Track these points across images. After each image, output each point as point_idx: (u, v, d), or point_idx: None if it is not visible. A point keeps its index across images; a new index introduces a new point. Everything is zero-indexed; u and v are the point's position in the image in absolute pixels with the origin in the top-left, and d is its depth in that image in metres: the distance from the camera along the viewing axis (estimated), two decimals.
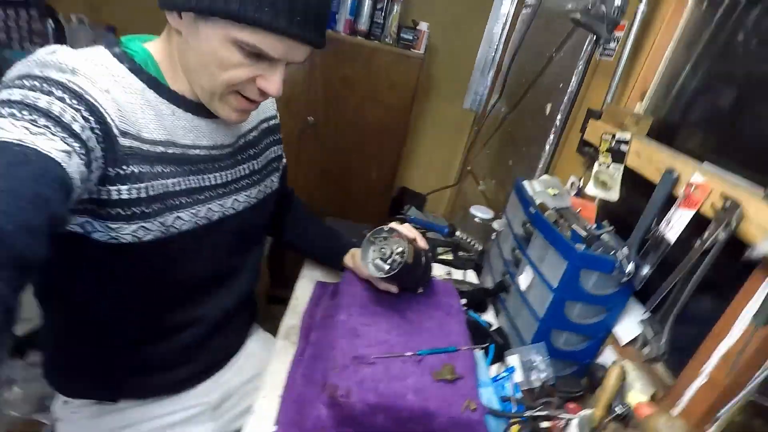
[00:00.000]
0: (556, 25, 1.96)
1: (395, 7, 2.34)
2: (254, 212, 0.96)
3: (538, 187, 1.28)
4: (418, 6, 2.64)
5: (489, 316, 1.29)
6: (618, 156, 1.09)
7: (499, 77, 2.65)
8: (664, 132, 1.12)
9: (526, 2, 2.47)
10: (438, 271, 1.47)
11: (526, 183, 1.35)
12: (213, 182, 0.84)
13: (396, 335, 0.95)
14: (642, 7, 1.14)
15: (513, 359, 1.05)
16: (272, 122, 1.06)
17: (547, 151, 1.70)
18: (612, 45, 1.37)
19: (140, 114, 0.70)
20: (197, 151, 0.80)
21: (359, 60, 2.36)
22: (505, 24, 2.73)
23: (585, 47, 1.58)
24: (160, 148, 0.73)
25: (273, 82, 0.74)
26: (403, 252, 0.94)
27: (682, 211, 0.83)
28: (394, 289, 1.04)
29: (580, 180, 1.34)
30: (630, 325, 1.02)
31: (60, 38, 2.52)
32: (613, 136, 1.11)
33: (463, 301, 1.25)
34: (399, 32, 2.44)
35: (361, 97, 2.44)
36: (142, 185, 0.69)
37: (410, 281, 1.05)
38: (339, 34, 2.35)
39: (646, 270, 0.90)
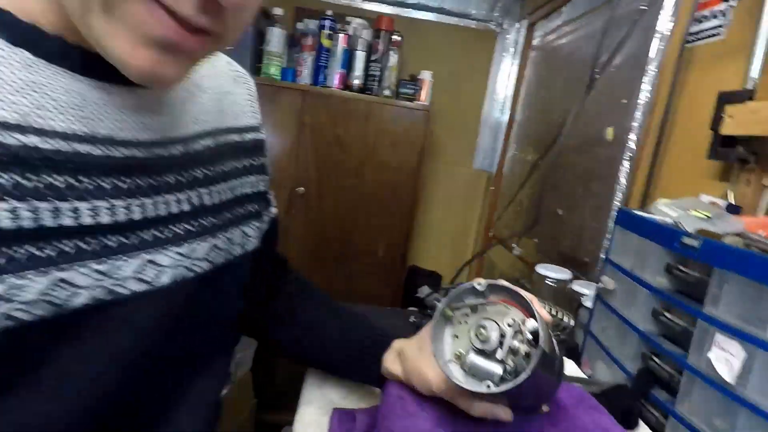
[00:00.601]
0: (582, 47, 1.67)
1: (392, 57, 2.06)
2: (205, 292, 0.47)
3: (672, 212, 0.83)
4: (414, 62, 2.38)
5: None
6: None
7: (513, 128, 2.34)
8: None
9: (533, 45, 2.25)
10: None
11: (640, 213, 0.90)
12: (93, 220, 0.36)
13: None
14: None
15: None
16: (249, 136, 0.59)
17: (627, 178, 1.28)
18: (714, 23, 1.02)
19: None
20: (57, 144, 0.34)
21: (355, 117, 2.02)
22: (509, 76, 2.49)
23: (655, 48, 1.25)
24: None
25: None
26: (532, 332, 0.44)
27: None
28: (504, 415, 0.51)
29: (727, 196, 0.89)
30: None
31: None
32: None
33: None
34: (398, 87, 2.15)
35: (359, 159, 2.06)
36: None
37: (534, 394, 0.52)
38: (330, 90, 2.03)
39: None
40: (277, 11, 2.01)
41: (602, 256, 1.08)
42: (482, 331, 0.44)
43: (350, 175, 2.06)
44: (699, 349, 0.69)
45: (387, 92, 2.07)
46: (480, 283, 0.48)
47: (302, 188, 2.07)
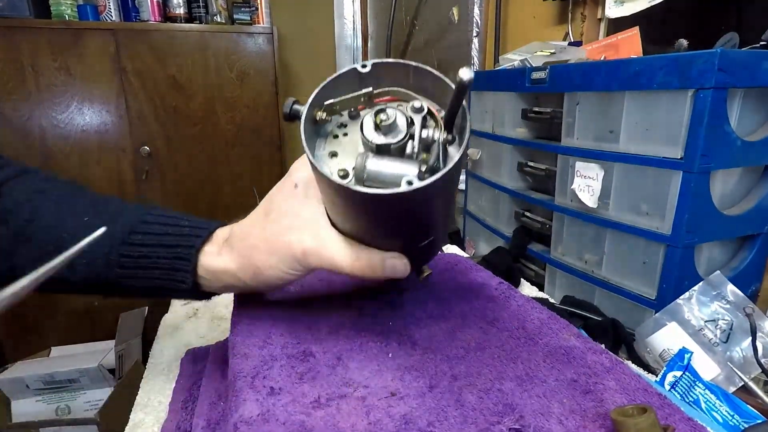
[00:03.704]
0: None
1: None
2: None
3: (518, 57, 0.77)
4: None
5: (529, 289, 0.72)
6: None
7: (368, 44, 2.21)
8: None
9: None
10: None
11: (486, 72, 0.84)
12: None
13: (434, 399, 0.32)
14: None
15: (668, 333, 0.49)
16: None
17: (478, 56, 1.23)
18: None
19: None
20: None
21: (187, 52, 1.73)
22: None
23: None
24: None
25: None
26: (449, 114, 0.29)
27: None
28: (401, 265, 0.35)
29: (565, 36, 0.86)
30: None
31: None
32: None
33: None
34: (231, 12, 1.88)
35: (204, 100, 1.79)
36: None
37: (441, 216, 0.36)
38: (147, 24, 1.70)
39: None
40: None
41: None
42: (382, 116, 0.30)
43: (199, 121, 1.80)
44: (563, 187, 0.65)
45: (219, 18, 1.80)
46: (365, 64, 0.31)
47: (147, 147, 1.76)
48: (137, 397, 0.49)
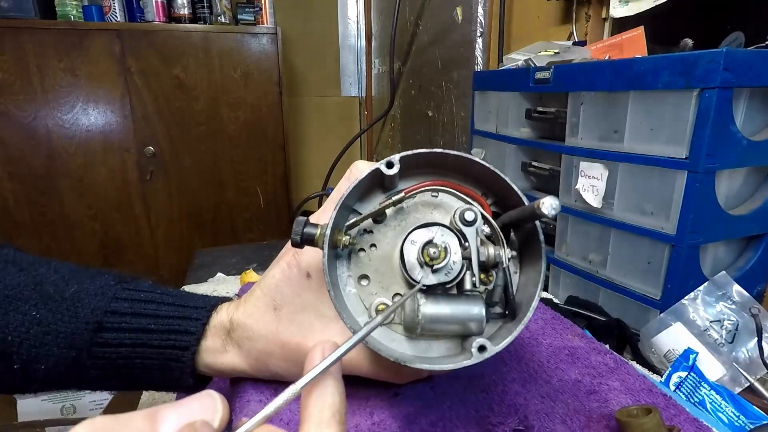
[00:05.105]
0: None
1: None
2: None
3: (522, 57, 0.77)
4: None
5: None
6: None
7: (372, 43, 2.20)
8: None
9: None
10: None
11: (489, 72, 0.84)
12: None
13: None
14: None
15: (673, 333, 0.49)
16: None
17: (482, 55, 1.23)
18: None
19: None
20: None
21: (191, 53, 1.73)
22: None
23: None
24: None
25: None
26: (514, 221, 0.26)
27: None
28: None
29: (569, 35, 0.86)
30: None
31: None
32: None
33: None
34: (235, 12, 1.88)
35: (208, 100, 1.80)
36: None
37: None
38: (152, 24, 1.71)
39: None
40: None
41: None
42: (431, 251, 0.24)
43: (203, 121, 1.80)
44: (567, 186, 0.65)
45: (223, 19, 1.80)
46: (391, 162, 0.25)
47: (151, 148, 1.77)
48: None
